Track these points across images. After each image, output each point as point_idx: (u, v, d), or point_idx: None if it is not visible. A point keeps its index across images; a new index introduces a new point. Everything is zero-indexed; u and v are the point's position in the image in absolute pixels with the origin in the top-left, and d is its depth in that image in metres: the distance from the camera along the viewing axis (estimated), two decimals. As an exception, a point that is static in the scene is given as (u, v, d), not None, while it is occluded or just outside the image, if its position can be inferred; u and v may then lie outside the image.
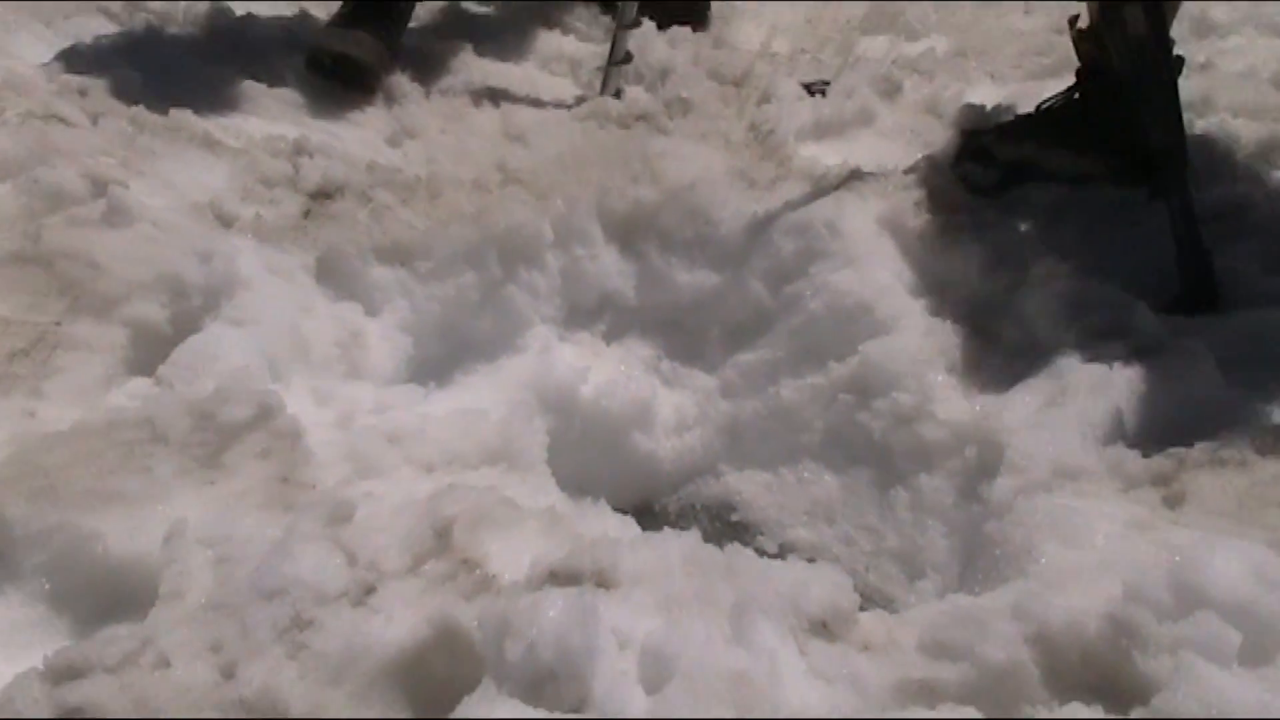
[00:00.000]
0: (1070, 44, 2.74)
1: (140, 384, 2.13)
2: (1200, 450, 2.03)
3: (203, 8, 3.29)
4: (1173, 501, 1.99)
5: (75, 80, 2.82)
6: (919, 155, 2.83)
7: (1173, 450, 2.05)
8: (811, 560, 2.26)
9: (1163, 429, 2.17)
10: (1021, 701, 1.64)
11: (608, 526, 2.29)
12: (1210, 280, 2.46)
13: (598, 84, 3.21)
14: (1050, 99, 2.83)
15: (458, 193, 2.61)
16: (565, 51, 3.49)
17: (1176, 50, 2.63)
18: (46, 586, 1.90)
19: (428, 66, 3.19)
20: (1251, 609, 1.68)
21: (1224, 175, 2.81)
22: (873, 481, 2.38)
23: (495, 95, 3.08)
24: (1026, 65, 3.41)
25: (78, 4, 3.27)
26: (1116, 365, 2.22)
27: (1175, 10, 2.66)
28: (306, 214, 2.51)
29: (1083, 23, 2.71)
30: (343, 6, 3.06)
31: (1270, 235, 2.64)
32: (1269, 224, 2.66)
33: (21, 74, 2.83)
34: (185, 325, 2.23)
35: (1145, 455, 2.10)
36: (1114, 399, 2.20)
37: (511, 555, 1.85)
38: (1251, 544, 1.78)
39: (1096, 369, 2.21)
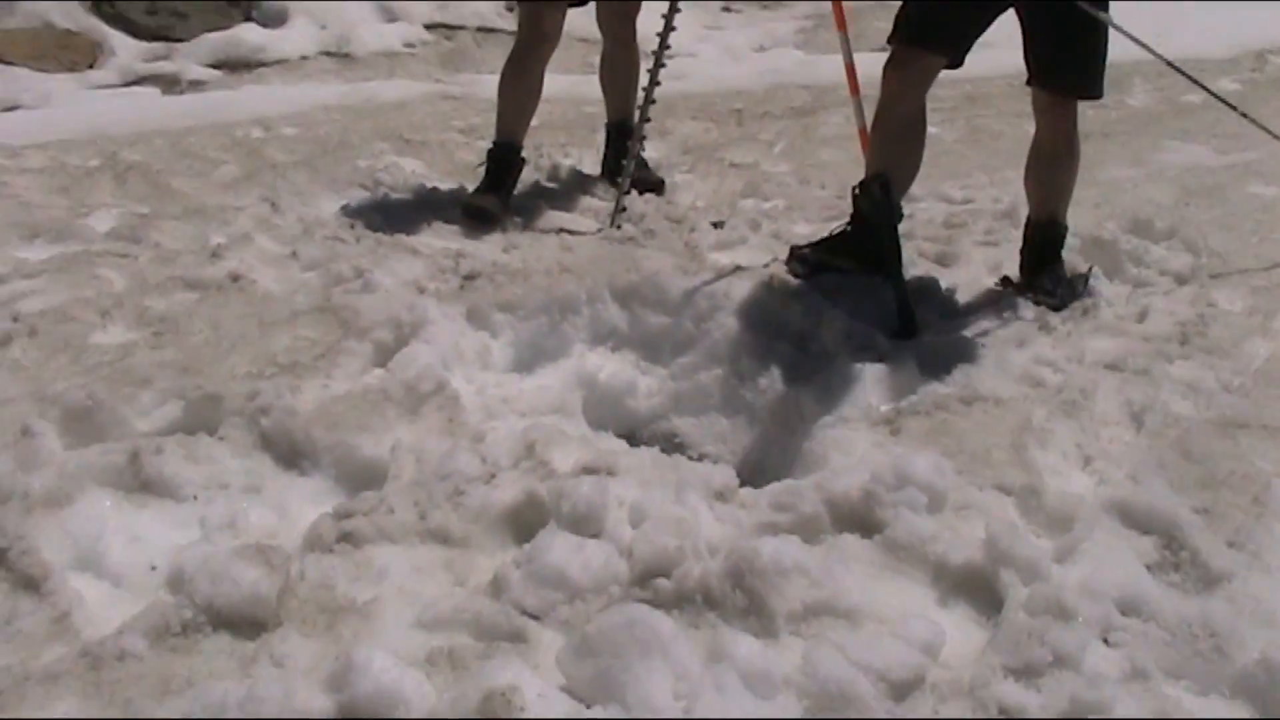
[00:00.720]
0: (850, 201, 4.43)
1: (378, 373, 3.69)
2: (907, 405, 3.61)
3: (411, 180, 5.48)
4: (895, 433, 3.49)
5: (347, 220, 5.02)
6: (770, 258, 4.57)
7: (894, 405, 3.64)
8: (715, 461, 3.64)
9: (890, 394, 3.74)
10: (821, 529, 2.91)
11: (613, 445, 3.60)
12: (912, 322, 4.09)
13: (609, 221, 5.11)
14: (837, 229, 4.51)
15: (537, 276, 4.38)
16: (592, 206, 5.40)
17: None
18: (332, 472, 3.24)
19: (522, 212, 5.21)
20: (933, 486, 3.06)
21: (919, 269, 4.65)
22: (746, 421, 3.91)
23: (556, 226, 5.09)
24: (826, 213, 5.22)
25: (349, 182, 5.52)
26: (869, 364, 3.82)
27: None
28: (461, 287, 4.35)
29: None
30: (481, 182, 5.16)
31: (939, 299, 4.43)
32: (940, 294, 4.46)
33: (322, 218, 5.01)
34: (400, 343, 3.83)
35: (881, 408, 3.65)
36: (866, 380, 3.76)
37: (564, 459, 3.19)
38: (932, 454, 3.18)
39: (858, 365, 3.83)
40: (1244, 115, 4.81)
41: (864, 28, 8.40)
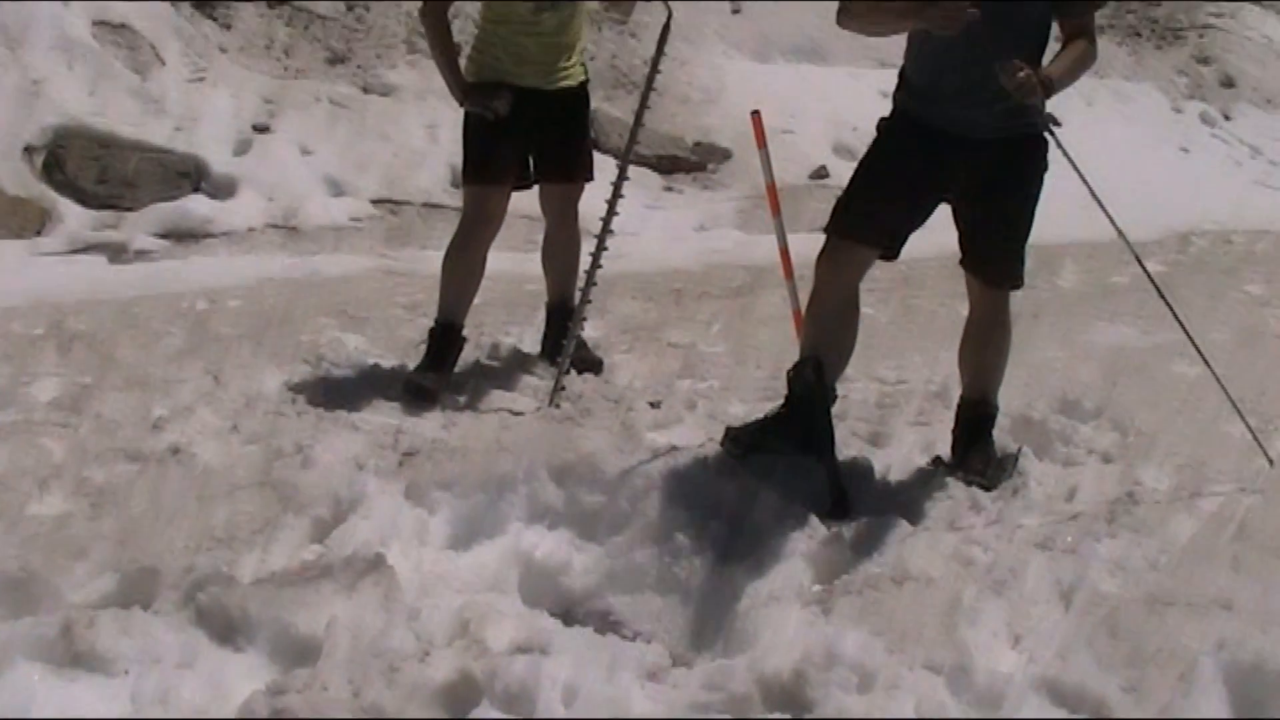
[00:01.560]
0: (785, 383, 4.54)
1: (316, 548, 3.87)
2: (839, 584, 3.71)
3: (354, 356, 5.61)
4: (826, 611, 3.55)
5: (289, 394, 5.08)
6: (705, 438, 4.66)
7: (826, 584, 3.77)
8: (649, 640, 3.63)
9: (822, 573, 3.86)
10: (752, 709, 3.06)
11: (547, 624, 3.56)
12: (845, 501, 4.23)
13: (547, 400, 5.19)
14: (771, 411, 4.60)
15: (475, 454, 4.46)
16: (531, 384, 5.47)
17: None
18: (267, 648, 3.32)
19: (463, 390, 5.30)
20: (863, 665, 3.25)
21: (852, 449, 4.76)
22: (680, 600, 3.84)
23: (495, 404, 5.17)
24: (761, 394, 5.33)
25: (292, 356, 5.58)
26: (801, 543, 3.96)
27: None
28: (400, 463, 4.44)
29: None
30: (423, 359, 5.26)
31: (872, 479, 4.54)
32: (872, 474, 4.56)
33: (264, 393, 5.09)
34: (338, 519, 4.00)
35: (813, 587, 3.77)
36: (798, 559, 3.89)
37: (498, 637, 3.29)
38: (862, 634, 3.34)
39: (791, 544, 3.96)
40: (1162, 296, 4.94)
41: (801, 208, 8.63)
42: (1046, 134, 4.44)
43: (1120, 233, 4.57)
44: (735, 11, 12.14)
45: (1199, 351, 4.64)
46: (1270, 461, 4.72)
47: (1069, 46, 4.43)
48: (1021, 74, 4.11)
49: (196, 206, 8.45)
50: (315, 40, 10.26)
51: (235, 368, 5.48)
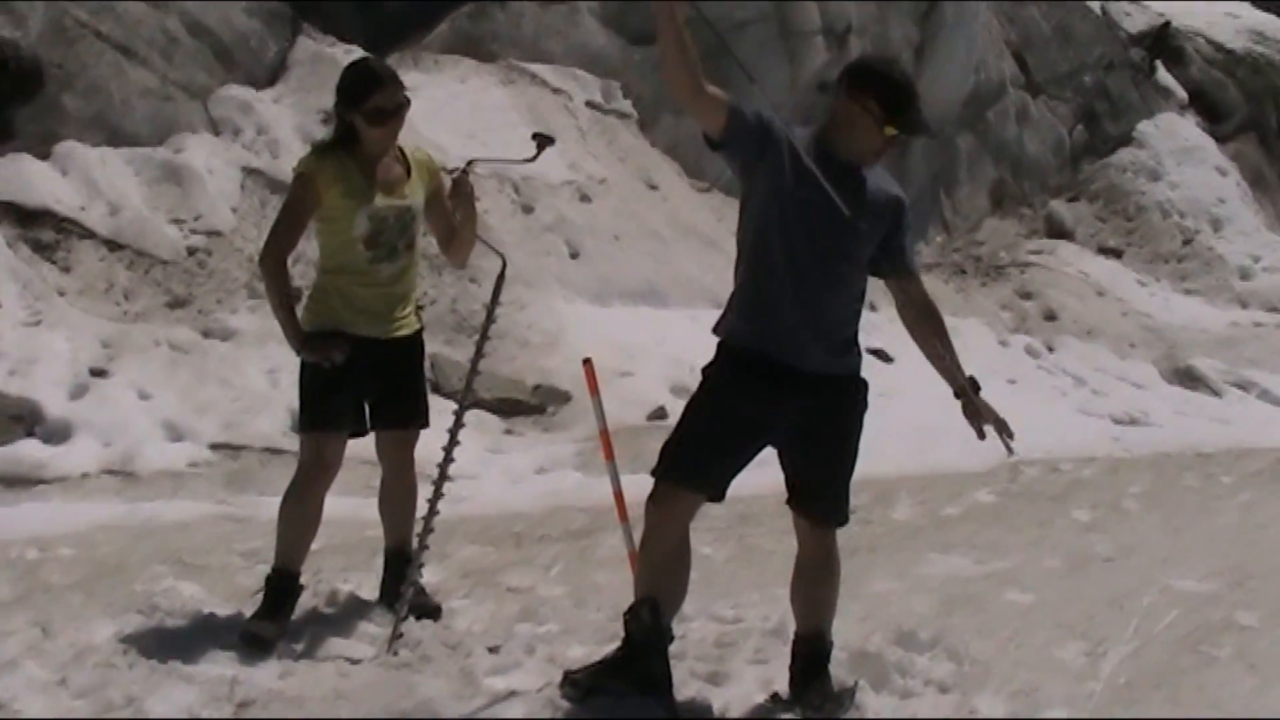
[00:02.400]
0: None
1: None
2: None
3: (189, 605, 5.49)
4: None
5: (121, 645, 4.96)
6: (545, 682, 4.66)
7: None
8: None
9: None
10: None
11: None
12: None
13: (385, 648, 5.14)
14: (610, 654, 4.62)
15: (312, 704, 4.45)
16: (369, 631, 5.39)
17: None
18: None
19: (300, 638, 5.22)
20: None
21: (690, 689, 4.82)
22: None
23: (333, 652, 5.12)
24: (600, 636, 5.33)
25: (125, 606, 5.47)
26: None
27: None
28: (235, 715, 4.40)
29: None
30: (259, 608, 5.22)
31: (710, 717, 4.61)
32: (711, 713, 4.62)
33: (95, 644, 4.95)
34: None
35: None
36: None
37: None
38: None
39: None
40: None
41: (641, 448, 8.73)
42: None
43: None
44: (574, 256, 12.42)
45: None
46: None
47: (929, 321, 4.71)
48: (990, 424, 4.66)
49: (29, 452, 8.31)
50: (156, 284, 10.27)
51: (65, 618, 5.37)
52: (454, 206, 5.53)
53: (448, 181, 5.62)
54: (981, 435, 4.68)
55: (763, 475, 4.89)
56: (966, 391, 4.67)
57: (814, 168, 4.39)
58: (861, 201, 4.51)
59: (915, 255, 4.81)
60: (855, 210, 4.43)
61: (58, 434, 8.56)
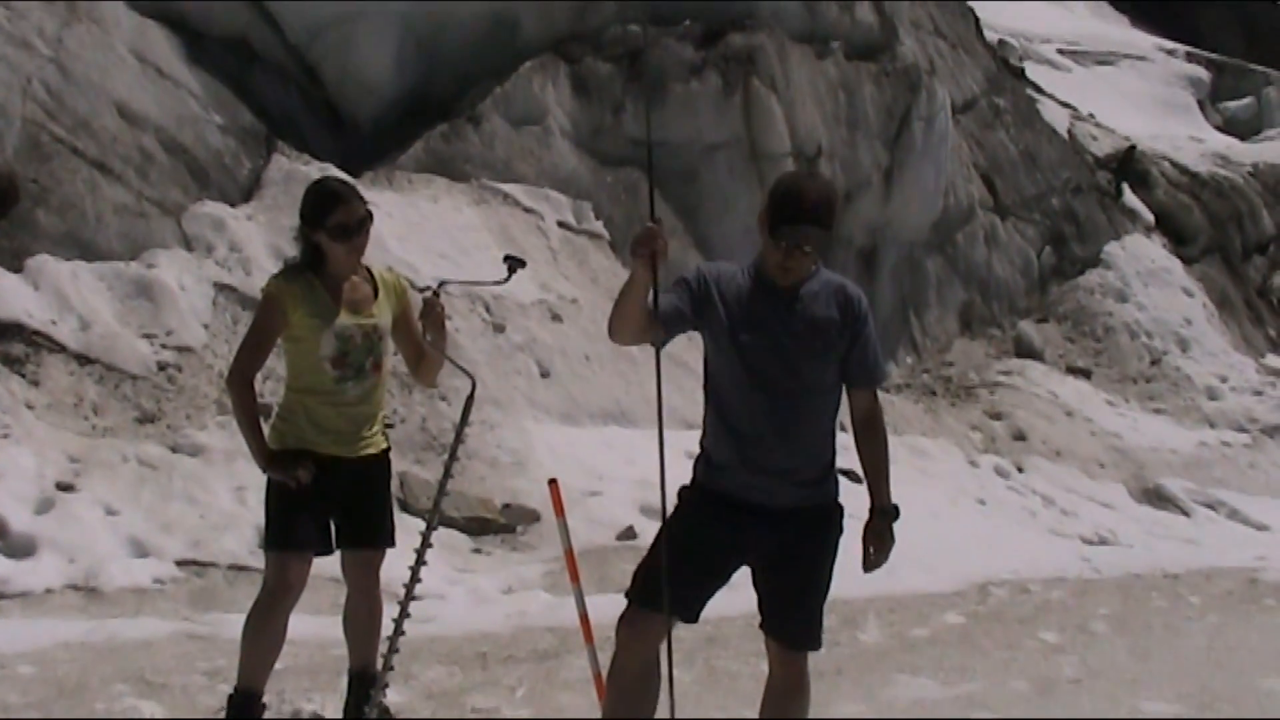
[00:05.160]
0: None
1: None
2: None
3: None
4: None
5: None
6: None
7: None
8: None
9: None
10: None
11: None
12: None
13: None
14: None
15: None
16: None
17: None
18: None
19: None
20: None
21: None
22: None
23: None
24: None
25: None
26: None
27: None
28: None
29: None
30: None
31: None
32: None
33: None
34: None
35: None
36: None
37: None
38: None
39: None
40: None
41: (609, 569, 8.74)
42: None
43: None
44: (544, 376, 12.46)
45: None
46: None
47: (868, 438, 4.72)
48: (879, 556, 4.66)
49: (-8, 568, 8.25)
50: (125, 399, 10.27)
51: (20, 747, 5.30)
52: (424, 327, 5.57)
53: (418, 301, 5.66)
54: (866, 563, 4.69)
55: (731, 598, 4.90)
56: (885, 513, 4.68)
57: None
58: (797, 321, 4.55)
59: (878, 367, 4.79)
60: (791, 331, 4.51)
61: (21, 549, 8.50)
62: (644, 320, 4.44)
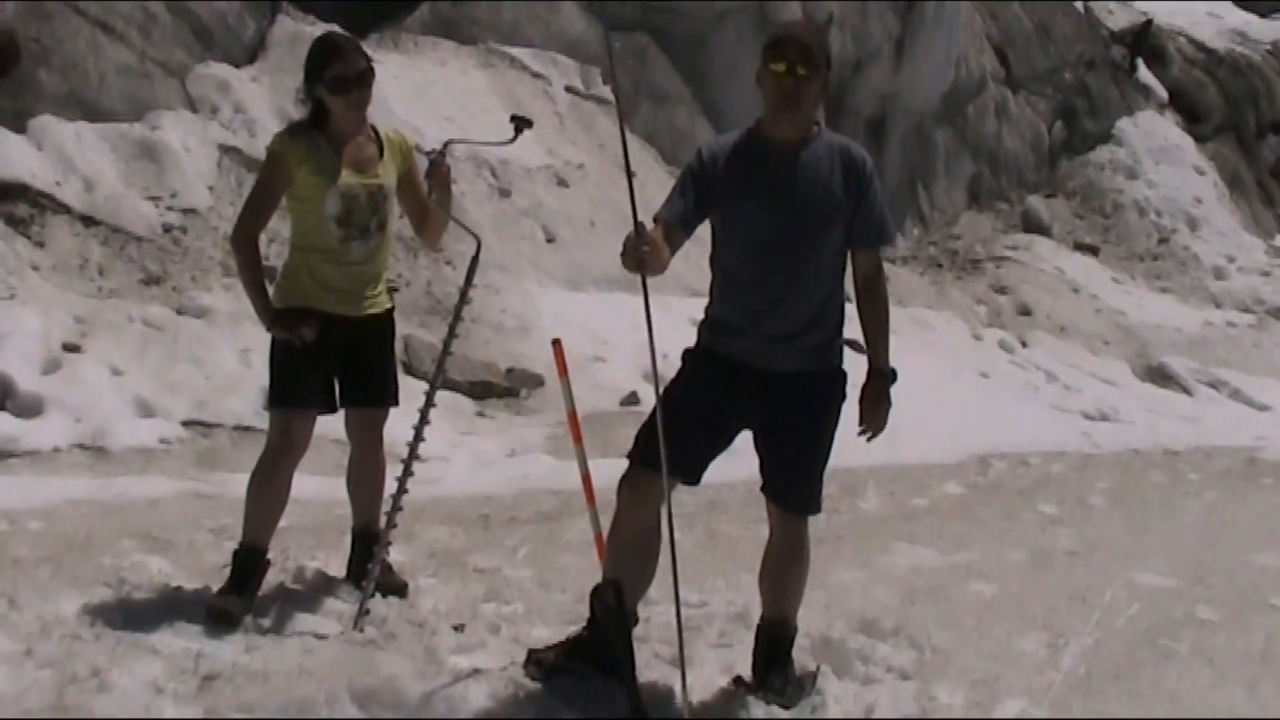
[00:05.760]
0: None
1: None
2: None
3: (156, 580, 5.53)
4: None
5: (88, 618, 4.98)
6: (508, 661, 4.68)
7: None
8: None
9: None
10: None
11: None
12: (641, 709, 4.33)
13: (351, 624, 5.17)
14: (573, 634, 4.69)
15: (277, 678, 4.44)
16: (335, 608, 5.36)
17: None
18: None
19: (266, 614, 5.21)
20: None
21: (654, 672, 4.86)
22: None
23: (298, 628, 5.10)
24: (565, 617, 5.40)
25: (93, 580, 5.48)
26: None
27: None
28: (200, 688, 4.37)
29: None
30: (226, 583, 5.21)
31: (673, 700, 4.56)
32: (673, 695, 4.59)
33: (61, 616, 4.99)
34: None
35: None
36: None
37: None
38: None
39: None
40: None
41: (612, 434, 8.78)
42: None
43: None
44: (549, 241, 12.44)
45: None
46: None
47: (868, 300, 4.70)
48: (871, 431, 4.67)
49: (0, 426, 8.30)
50: (130, 261, 10.27)
51: (31, 591, 5.36)
52: (430, 188, 5.54)
53: (423, 162, 5.62)
54: (862, 425, 4.69)
55: (733, 463, 4.93)
56: (882, 375, 4.67)
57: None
58: (799, 182, 4.52)
59: (884, 229, 4.74)
60: (794, 192, 4.50)
61: (29, 409, 8.56)
62: (670, 253, 4.43)
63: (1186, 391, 15.87)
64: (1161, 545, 8.16)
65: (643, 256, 4.16)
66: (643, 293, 4.31)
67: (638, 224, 4.16)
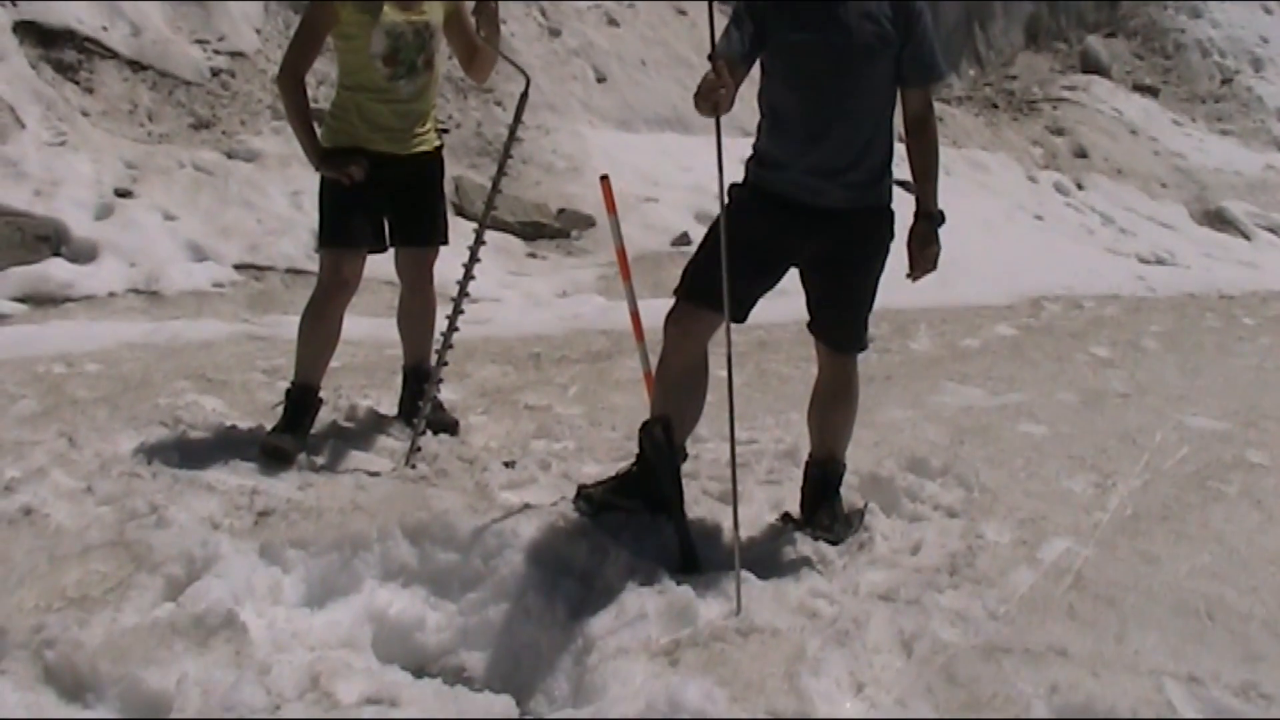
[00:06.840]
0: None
1: (169, 607, 3.80)
2: (686, 636, 3.77)
3: (211, 419, 5.59)
4: (674, 663, 3.67)
5: (145, 456, 5.08)
6: (559, 497, 4.74)
7: (674, 637, 3.77)
8: (499, 693, 3.71)
9: (670, 627, 3.85)
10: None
11: (398, 678, 3.61)
12: (694, 558, 4.32)
13: (403, 461, 5.24)
14: (623, 470, 4.68)
15: (330, 514, 4.50)
16: (388, 446, 5.48)
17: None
18: (117, 705, 3.33)
19: (319, 451, 5.29)
20: (704, 713, 3.68)
21: (703, 508, 4.87)
22: (532, 655, 3.90)
23: (351, 465, 5.19)
24: (615, 454, 5.47)
25: (149, 419, 5.58)
26: (650, 598, 3.96)
27: None
28: (255, 523, 4.47)
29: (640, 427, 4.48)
30: (279, 421, 5.28)
31: (721, 535, 4.62)
32: (722, 531, 4.65)
33: (119, 455, 5.08)
34: (192, 577, 3.96)
35: (660, 639, 3.77)
36: (648, 614, 3.89)
37: (349, 691, 3.42)
38: (706, 683, 3.72)
39: (640, 600, 3.94)
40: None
41: (664, 274, 8.77)
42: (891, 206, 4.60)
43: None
44: (600, 81, 12.32)
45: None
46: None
47: (917, 139, 4.61)
48: (918, 273, 4.61)
49: (56, 271, 8.38)
50: (179, 105, 10.26)
51: (90, 430, 5.45)
52: (478, 24, 5.47)
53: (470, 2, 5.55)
54: (911, 268, 4.64)
55: (783, 303, 4.90)
56: (930, 218, 4.61)
57: None
58: (849, 15, 4.43)
59: (934, 66, 4.66)
60: (843, 27, 4.40)
61: (84, 254, 8.63)
62: (734, 91, 4.34)
63: (1245, 236, 15.67)
64: (1214, 389, 8.11)
65: (719, 99, 4.09)
66: (716, 134, 4.23)
67: (716, 64, 4.09)
